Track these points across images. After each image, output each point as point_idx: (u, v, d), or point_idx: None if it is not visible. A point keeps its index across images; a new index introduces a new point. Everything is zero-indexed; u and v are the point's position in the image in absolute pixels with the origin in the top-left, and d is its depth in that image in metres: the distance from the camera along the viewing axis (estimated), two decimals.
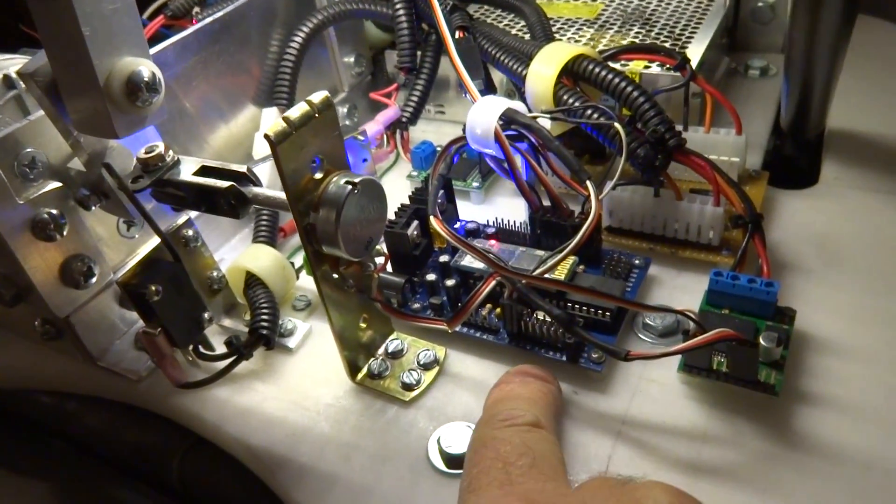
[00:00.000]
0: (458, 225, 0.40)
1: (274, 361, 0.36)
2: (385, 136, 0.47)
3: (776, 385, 0.29)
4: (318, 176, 0.28)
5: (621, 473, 0.28)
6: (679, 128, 0.40)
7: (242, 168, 0.32)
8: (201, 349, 0.36)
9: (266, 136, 0.26)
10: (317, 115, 0.28)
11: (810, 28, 0.35)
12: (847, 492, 0.27)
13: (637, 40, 0.48)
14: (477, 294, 0.31)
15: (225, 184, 0.31)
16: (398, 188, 0.46)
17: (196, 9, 0.51)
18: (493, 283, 0.31)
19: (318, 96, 0.28)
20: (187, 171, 0.33)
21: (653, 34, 0.48)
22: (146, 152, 0.32)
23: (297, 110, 0.27)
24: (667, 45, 0.46)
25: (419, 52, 0.47)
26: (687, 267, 0.37)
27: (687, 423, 0.30)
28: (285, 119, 0.27)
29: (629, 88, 0.36)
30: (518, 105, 0.35)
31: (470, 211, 0.44)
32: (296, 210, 0.28)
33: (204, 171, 0.33)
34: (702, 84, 0.39)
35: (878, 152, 0.44)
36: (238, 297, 0.39)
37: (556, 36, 0.49)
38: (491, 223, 0.39)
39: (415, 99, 0.46)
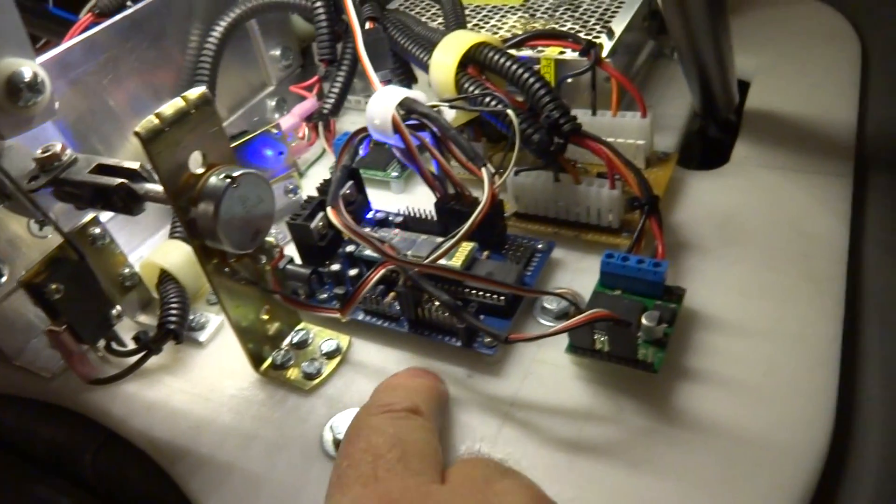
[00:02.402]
0: (370, 215, 0.40)
1: (184, 355, 0.37)
2: (307, 129, 0.47)
3: (655, 363, 0.30)
4: (200, 171, 0.29)
5: (500, 454, 0.29)
6: (579, 112, 0.41)
7: (135, 165, 0.32)
8: (113, 345, 0.37)
9: (136, 134, 0.26)
10: (193, 112, 0.28)
11: (679, 9, 0.35)
12: (719, 464, 0.27)
13: (567, 24, 0.48)
14: (365, 282, 0.31)
15: (116, 181, 0.31)
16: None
17: (129, 3, 0.51)
18: (383, 271, 0.32)
19: (194, 92, 0.28)
20: (84, 169, 0.33)
21: (576, 17, 0.49)
22: (42, 152, 0.33)
23: (171, 107, 0.27)
24: (590, 29, 0.47)
25: (341, 44, 0.47)
26: (590, 249, 0.38)
27: (572, 403, 0.31)
28: (157, 115, 0.27)
29: (525, 75, 0.36)
30: (417, 94, 0.36)
31: (390, 200, 0.45)
32: (176, 206, 0.28)
33: (100, 168, 0.33)
34: (607, 69, 0.40)
35: (793, 130, 0.44)
36: (154, 292, 0.39)
37: (480, 24, 0.49)
38: (402, 212, 0.40)
39: (336, 90, 0.46)
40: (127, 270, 0.38)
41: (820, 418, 0.28)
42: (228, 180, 0.28)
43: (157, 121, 0.27)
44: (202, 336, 0.37)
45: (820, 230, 0.36)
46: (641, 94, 0.40)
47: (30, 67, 0.29)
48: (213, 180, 0.28)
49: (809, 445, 0.28)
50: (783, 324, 0.32)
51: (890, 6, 0.52)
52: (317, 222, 0.37)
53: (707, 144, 0.52)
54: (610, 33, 0.46)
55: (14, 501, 0.37)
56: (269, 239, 0.32)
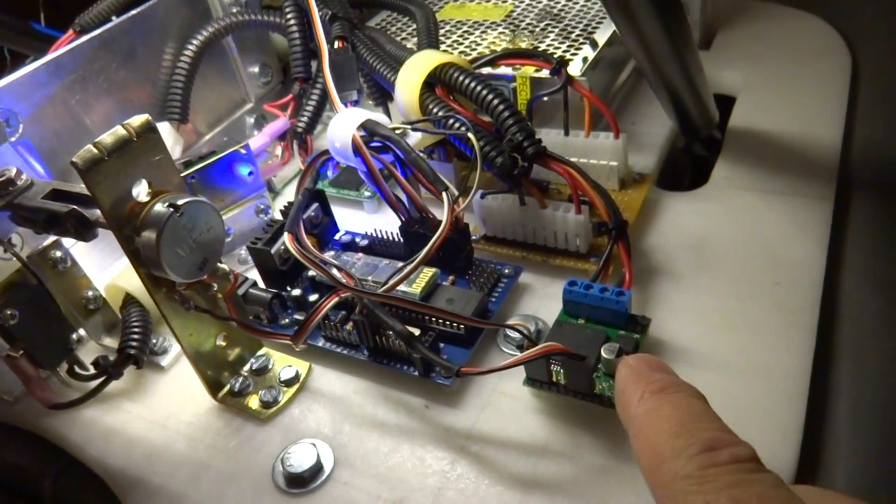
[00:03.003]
0: (337, 236, 0.40)
1: (146, 380, 0.37)
2: (281, 147, 0.46)
3: (613, 397, 0.29)
4: (145, 199, 0.28)
5: (452, 491, 0.28)
6: (552, 132, 0.40)
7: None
8: (76, 369, 0.36)
9: (73, 163, 0.26)
10: (135, 140, 0.27)
11: (632, 31, 0.34)
12: None
13: (550, 37, 0.47)
14: (317, 311, 0.31)
15: (66, 207, 0.31)
16: None
17: (113, 18, 0.51)
18: (337, 299, 0.31)
19: (136, 120, 0.28)
20: (39, 194, 0.33)
21: (559, 30, 0.48)
22: None
23: (111, 136, 0.27)
24: (573, 40, 0.46)
25: (316, 62, 0.46)
26: (558, 274, 0.37)
27: (529, 437, 0.30)
28: (96, 145, 0.26)
29: (489, 96, 0.35)
30: (379, 117, 0.35)
31: (363, 220, 0.44)
32: (119, 235, 0.28)
33: (55, 193, 0.33)
34: (579, 89, 0.39)
35: (775, 150, 0.43)
36: (119, 315, 0.39)
37: (460, 39, 0.49)
38: (369, 234, 0.39)
39: (310, 109, 0.46)
40: (91, 293, 0.38)
41: (784, 457, 0.27)
42: (171, 209, 0.28)
43: (95, 150, 0.26)
44: (164, 360, 0.37)
45: (795, 257, 0.35)
46: (616, 114, 0.39)
47: None
48: (156, 209, 0.28)
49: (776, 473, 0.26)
50: (750, 356, 0.31)
51: (884, 18, 0.51)
52: (278, 246, 0.36)
53: (695, 163, 0.51)
54: (594, 44, 0.45)
55: None
56: (223, 265, 0.32)
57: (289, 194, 0.48)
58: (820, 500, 0.20)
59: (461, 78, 0.36)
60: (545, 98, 0.42)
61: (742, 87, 0.49)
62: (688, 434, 0.21)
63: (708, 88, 0.40)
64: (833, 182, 0.39)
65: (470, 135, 0.33)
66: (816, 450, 0.29)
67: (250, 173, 0.42)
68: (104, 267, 0.43)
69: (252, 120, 0.52)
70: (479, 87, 0.36)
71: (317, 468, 0.30)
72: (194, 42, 0.45)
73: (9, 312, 0.33)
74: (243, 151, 0.41)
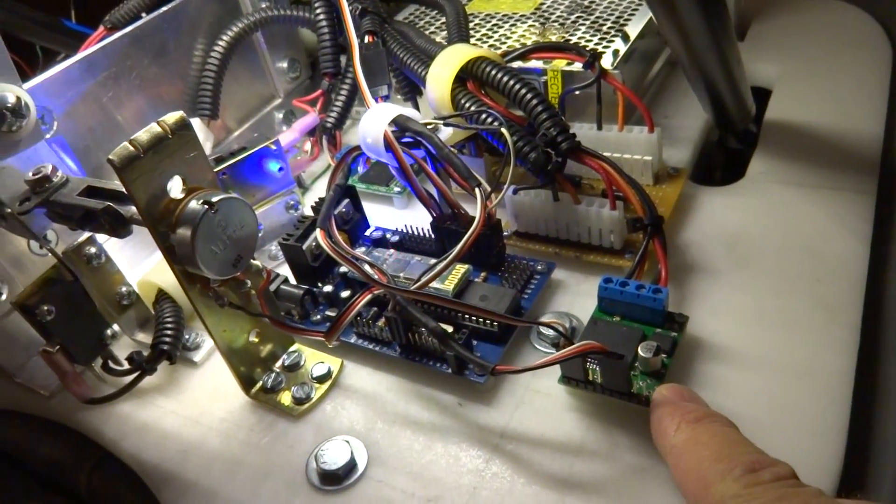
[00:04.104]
0: (368, 232, 0.40)
1: (179, 376, 0.37)
2: (310, 143, 0.46)
3: (650, 397, 0.28)
4: (179, 196, 0.28)
5: (487, 490, 0.28)
6: (585, 126, 0.39)
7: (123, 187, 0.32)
8: (110, 364, 0.36)
9: (109, 161, 0.26)
10: (170, 136, 0.27)
11: (675, 26, 0.33)
12: None
13: (581, 30, 0.46)
14: (350, 308, 0.31)
15: (101, 204, 0.31)
16: None
17: (143, 14, 0.51)
18: (370, 296, 0.31)
19: (171, 117, 0.28)
20: (74, 191, 0.33)
21: (590, 23, 0.47)
22: (33, 174, 0.33)
23: (146, 133, 0.27)
24: (605, 33, 0.45)
25: (345, 56, 0.46)
26: (592, 271, 0.36)
27: (564, 436, 0.29)
28: (132, 142, 0.26)
29: (522, 91, 0.35)
30: (411, 112, 0.35)
31: (393, 216, 0.44)
32: (155, 232, 0.28)
33: (89, 190, 0.33)
34: (612, 82, 0.38)
35: (813, 143, 0.42)
36: (152, 310, 0.39)
37: (489, 33, 0.48)
38: (400, 230, 0.39)
39: (339, 104, 0.46)
40: (124, 289, 0.38)
41: (828, 458, 0.27)
42: (206, 206, 0.28)
43: (132, 147, 0.26)
44: (197, 356, 0.37)
45: (837, 252, 0.34)
46: (649, 108, 0.39)
47: (12, 92, 0.29)
48: (191, 205, 0.28)
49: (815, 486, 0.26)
50: (791, 355, 0.30)
51: None
52: (310, 242, 0.36)
53: (728, 156, 0.50)
54: (625, 37, 0.44)
55: None
56: (256, 262, 0.32)
57: (318, 190, 0.48)
58: None
59: (493, 72, 0.36)
60: (577, 92, 0.41)
61: (778, 79, 0.48)
62: (729, 458, 0.22)
63: (746, 80, 0.39)
64: (875, 175, 0.38)
65: (503, 130, 0.33)
66: (862, 453, 0.28)
67: (280, 169, 0.42)
68: (135, 263, 0.43)
69: (281, 116, 0.52)
70: (511, 82, 0.35)
71: (350, 465, 0.30)
72: (224, 38, 0.45)
73: (45, 308, 0.33)
74: (273, 147, 0.41)
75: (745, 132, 0.45)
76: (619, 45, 0.44)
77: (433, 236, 0.37)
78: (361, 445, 0.31)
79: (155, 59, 0.43)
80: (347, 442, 0.30)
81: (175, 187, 0.28)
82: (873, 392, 0.30)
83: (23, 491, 0.38)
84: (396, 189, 0.44)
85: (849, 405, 0.28)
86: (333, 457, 0.30)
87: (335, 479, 0.29)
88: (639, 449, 0.28)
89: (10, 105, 0.29)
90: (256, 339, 0.34)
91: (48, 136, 0.37)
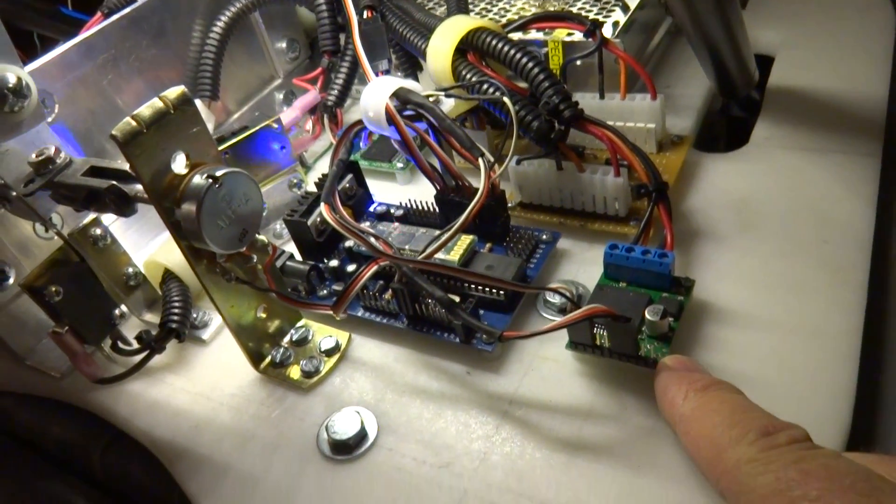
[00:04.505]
0: (371, 208, 0.40)
1: (188, 354, 0.37)
2: (312, 121, 0.46)
3: (658, 359, 0.28)
4: (183, 171, 0.28)
5: (497, 455, 0.28)
6: (587, 96, 0.39)
7: (126, 166, 0.32)
8: (119, 344, 0.37)
9: (112, 136, 0.26)
10: (172, 112, 0.27)
11: None
12: None
13: (579, 3, 0.46)
14: (356, 280, 0.31)
15: (106, 183, 0.31)
16: None
17: None
18: (376, 268, 0.31)
19: (173, 92, 0.28)
20: (77, 171, 0.33)
21: None
22: (36, 156, 0.33)
23: (149, 108, 0.27)
24: (605, 3, 0.45)
25: (344, 34, 0.46)
26: (597, 239, 0.36)
27: (573, 400, 0.30)
28: (134, 117, 0.26)
29: (524, 60, 0.35)
30: (411, 84, 0.34)
31: (396, 192, 0.44)
32: (160, 208, 0.28)
33: (92, 170, 0.33)
34: (614, 50, 0.38)
35: (817, 108, 0.42)
36: (159, 290, 0.39)
37: (488, 6, 0.48)
38: (404, 205, 0.39)
39: (339, 82, 0.46)
40: (131, 270, 0.38)
41: (837, 417, 0.27)
42: (210, 180, 0.28)
43: (134, 123, 0.26)
44: (205, 334, 0.37)
45: (843, 214, 0.34)
46: (652, 75, 0.38)
47: (13, 73, 0.29)
48: (195, 180, 0.28)
49: (826, 445, 0.26)
50: (799, 316, 0.30)
51: None
52: (314, 218, 0.36)
53: (731, 124, 0.50)
54: (625, 7, 0.44)
55: (32, 499, 0.38)
56: (261, 237, 0.32)
57: (320, 169, 0.48)
58: (875, 463, 0.20)
59: (494, 42, 0.36)
60: (578, 62, 0.41)
61: (780, 45, 0.47)
62: (742, 424, 0.22)
63: (749, 46, 0.39)
64: (880, 137, 0.38)
65: (505, 99, 0.33)
66: (870, 411, 0.28)
67: (282, 148, 0.42)
68: (140, 246, 0.43)
69: (281, 96, 0.52)
70: (512, 51, 0.35)
71: (361, 435, 0.30)
72: (223, 18, 0.45)
73: (53, 289, 0.34)
74: (275, 126, 0.41)
75: (747, 99, 0.45)
76: (619, 16, 0.43)
77: (437, 209, 0.37)
78: (371, 415, 0.31)
79: (153, 41, 0.43)
80: (357, 412, 0.31)
81: (179, 163, 0.28)
82: (880, 351, 0.30)
83: (37, 472, 0.38)
84: (399, 165, 0.44)
85: (856, 364, 0.28)
86: (344, 427, 0.30)
87: (346, 448, 0.30)
88: (648, 411, 0.28)
89: (11, 85, 0.29)
90: (264, 315, 0.34)
91: (49, 119, 0.37)
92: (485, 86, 0.35)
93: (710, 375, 0.26)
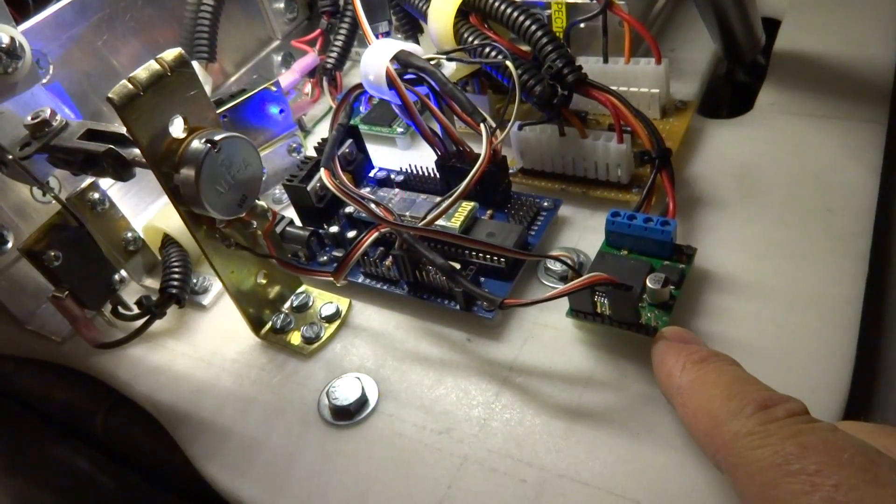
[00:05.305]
0: (371, 174, 0.39)
1: (188, 319, 0.37)
2: (310, 85, 0.46)
3: (659, 327, 0.28)
4: (182, 135, 0.28)
5: (497, 422, 0.28)
6: (591, 60, 0.38)
7: (123, 129, 0.31)
8: (120, 309, 0.37)
9: (108, 99, 0.25)
10: (169, 74, 0.27)
11: None
12: None
13: None
14: (357, 247, 0.30)
15: (103, 147, 0.31)
16: None
17: None
18: (377, 234, 0.31)
19: (170, 54, 0.27)
20: (74, 135, 0.33)
21: None
22: (32, 118, 0.32)
23: (145, 70, 0.26)
24: None
25: None
26: (599, 206, 0.36)
27: (573, 368, 0.30)
28: (131, 80, 0.26)
29: (527, 22, 0.34)
30: (412, 47, 0.34)
31: (396, 157, 0.43)
32: (158, 172, 0.28)
33: (90, 134, 0.32)
34: (618, 12, 0.37)
35: (823, 73, 0.41)
36: (159, 255, 0.39)
37: None
38: (405, 171, 0.38)
39: (338, 44, 0.45)
40: (130, 234, 0.38)
41: (835, 386, 0.27)
42: (209, 145, 0.27)
43: (131, 86, 0.26)
44: (205, 299, 0.37)
45: (846, 182, 0.34)
46: (656, 39, 0.38)
47: (6, 32, 0.28)
48: (194, 145, 0.28)
49: (823, 413, 0.26)
50: (800, 284, 0.30)
51: None
52: (314, 183, 0.36)
53: (735, 89, 0.49)
54: None
55: (35, 462, 0.39)
56: (261, 203, 0.32)
57: (320, 133, 0.48)
58: (872, 434, 0.21)
59: (496, 4, 0.35)
60: (582, 25, 0.40)
61: (787, 9, 0.46)
62: (740, 396, 0.22)
63: (756, 8, 0.38)
64: (886, 104, 0.37)
65: (508, 62, 0.32)
66: (869, 379, 0.28)
67: (281, 111, 0.41)
68: (138, 212, 0.43)
69: (279, 58, 0.51)
70: (515, 13, 0.34)
71: (362, 401, 0.30)
72: None
73: (52, 254, 0.33)
74: (274, 89, 0.40)
75: (753, 64, 0.44)
76: None
77: (438, 175, 0.37)
78: (372, 382, 0.31)
79: (149, 1, 0.42)
80: (358, 378, 0.31)
81: (177, 127, 0.28)
82: (880, 320, 0.30)
83: (40, 435, 0.39)
84: (399, 129, 0.43)
85: (856, 333, 0.28)
86: (345, 393, 0.30)
87: (347, 414, 0.30)
88: (647, 379, 0.28)
89: (4, 45, 0.28)
90: (264, 281, 0.34)
91: (44, 80, 0.36)
92: (487, 49, 0.34)
93: (708, 347, 0.26)
